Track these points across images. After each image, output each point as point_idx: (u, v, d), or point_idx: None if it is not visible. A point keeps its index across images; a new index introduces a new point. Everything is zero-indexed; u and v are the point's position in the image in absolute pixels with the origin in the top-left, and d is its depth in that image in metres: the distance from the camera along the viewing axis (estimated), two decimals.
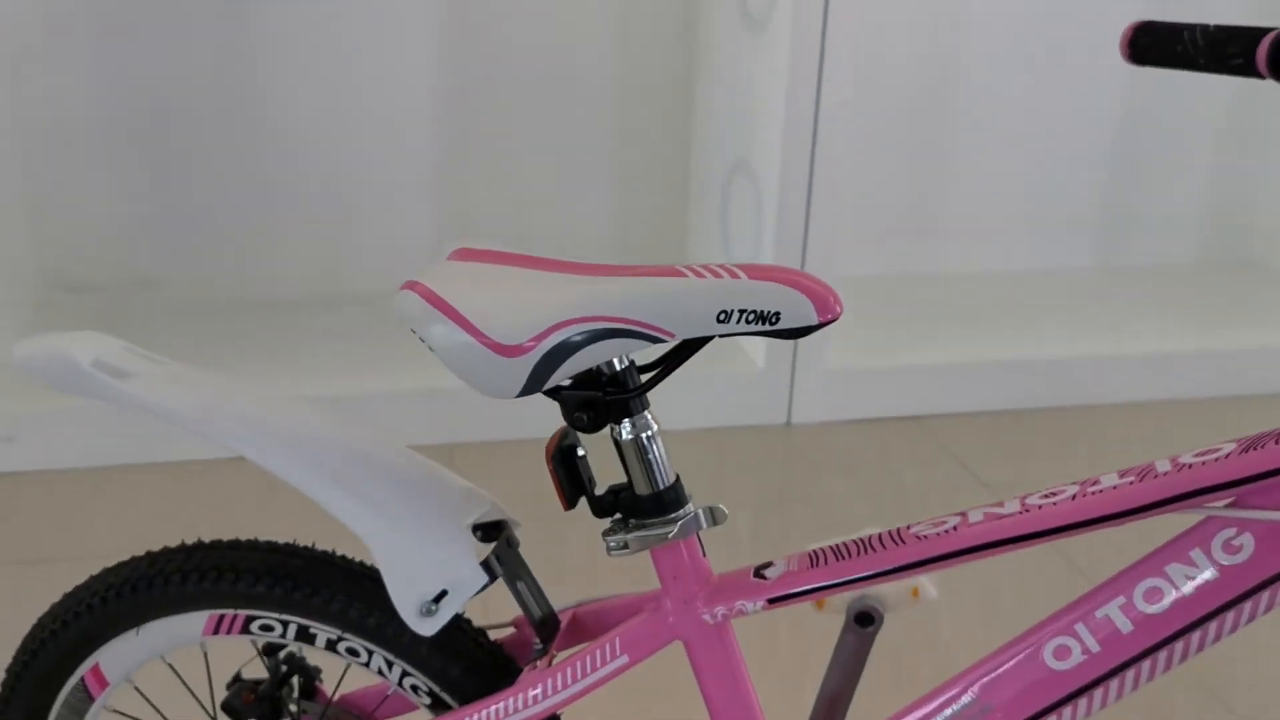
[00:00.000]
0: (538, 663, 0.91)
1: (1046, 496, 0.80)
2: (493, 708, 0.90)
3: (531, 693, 0.89)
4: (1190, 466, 0.76)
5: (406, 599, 0.88)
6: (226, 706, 1.04)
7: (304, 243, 2.82)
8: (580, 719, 1.01)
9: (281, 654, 1.05)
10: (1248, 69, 0.83)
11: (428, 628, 0.89)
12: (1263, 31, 0.82)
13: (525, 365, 0.77)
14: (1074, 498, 0.79)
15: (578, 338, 0.77)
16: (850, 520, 2.11)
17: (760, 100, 2.44)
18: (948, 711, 0.86)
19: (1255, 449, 0.75)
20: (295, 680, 1.05)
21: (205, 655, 1.02)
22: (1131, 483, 0.78)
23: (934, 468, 2.38)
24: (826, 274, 2.50)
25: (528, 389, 0.79)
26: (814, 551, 0.87)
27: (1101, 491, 0.79)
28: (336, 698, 1.05)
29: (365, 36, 2.69)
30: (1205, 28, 0.86)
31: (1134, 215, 3.24)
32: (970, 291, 3.09)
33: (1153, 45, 0.90)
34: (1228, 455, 0.76)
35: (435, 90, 2.77)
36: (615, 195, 2.88)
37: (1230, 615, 0.78)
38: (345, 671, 1.04)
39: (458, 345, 0.77)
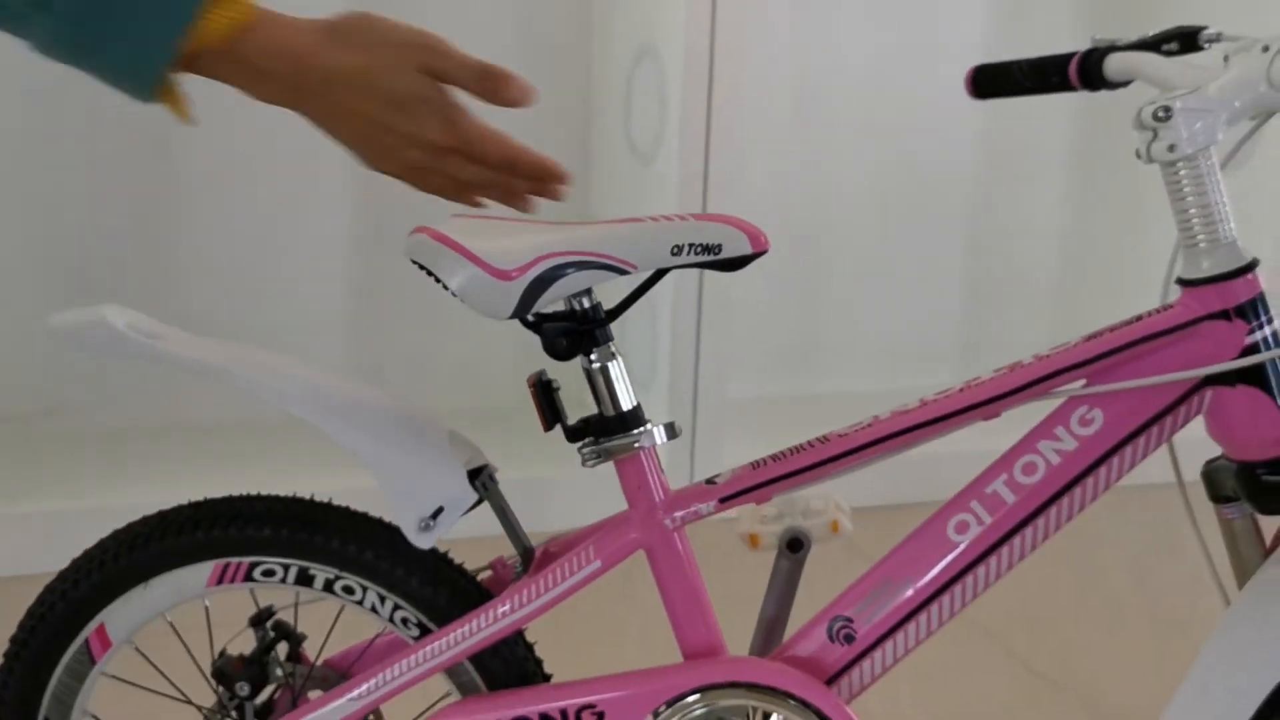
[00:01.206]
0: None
1: (939, 395, 0.99)
2: (483, 615, 1.02)
3: (516, 599, 1.02)
4: (1048, 356, 0.97)
5: (407, 515, 1.01)
6: (217, 673, 1.12)
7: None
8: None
9: (269, 621, 1.15)
10: (1064, 85, 1.09)
11: (426, 541, 1.02)
12: (1069, 56, 1.07)
13: (517, 289, 0.94)
14: (961, 390, 0.98)
15: (558, 268, 0.95)
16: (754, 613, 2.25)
17: None
18: (875, 590, 1.02)
19: (1095, 339, 0.96)
20: (282, 645, 1.15)
21: (207, 610, 1.12)
22: (1004, 374, 0.98)
23: (832, 557, 2.54)
24: (719, 397, 2.73)
25: (518, 311, 0.95)
26: (754, 461, 1.03)
27: (982, 383, 0.98)
28: (320, 660, 1.15)
29: (283, 180, 2.88)
30: (1028, 60, 1.12)
31: (986, 341, 3.57)
32: (847, 408, 3.34)
33: (988, 81, 1.15)
34: (1075, 345, 0.96)
35: (350, 225, 2.95)
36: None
37: (1090, 480, 0.97)
38: (331, 629, 1.14)
39: (464, 272, 0.94)
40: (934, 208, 3.38)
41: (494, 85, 0.82)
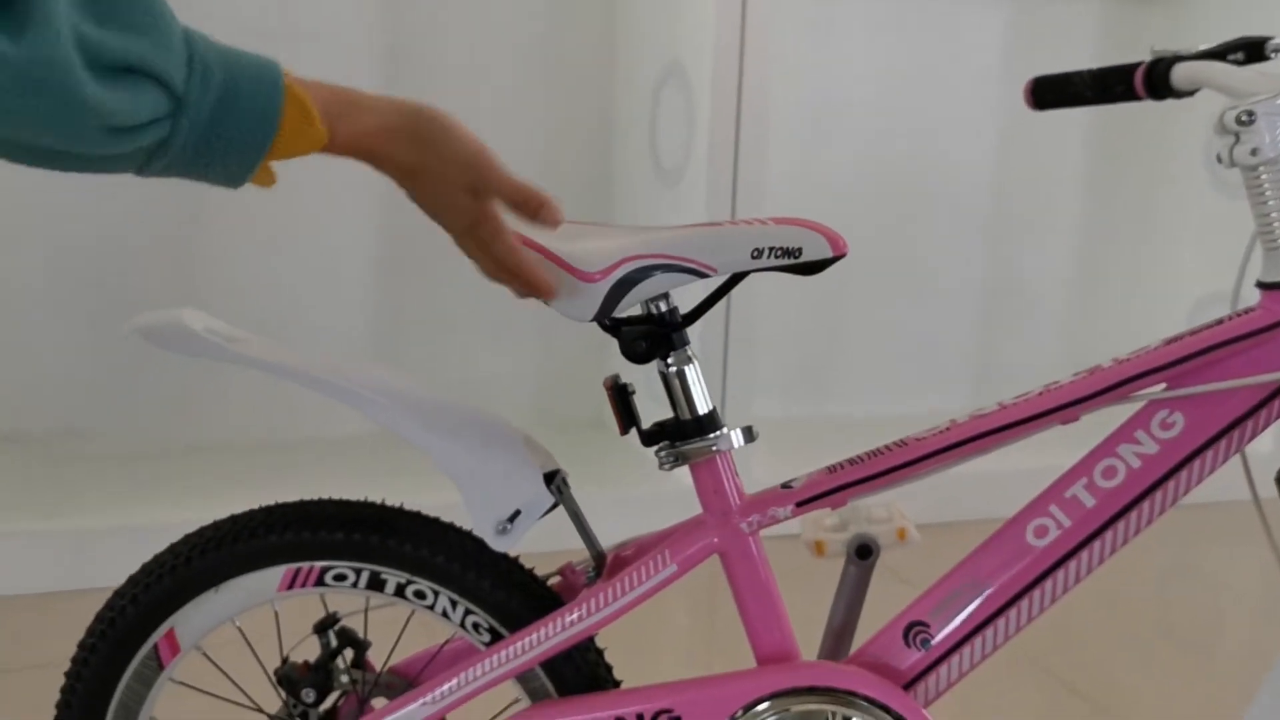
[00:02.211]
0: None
1: (1017, 399, 0.99)
2: (557, 620, 1.02)
3: (590, 604, 1.01)
4: (1128, 360, 0.97)
5: (484, 518, 1.01)
6: (282, 679, 1.12)
7: (238, 391, 2.92)
8: None
9: (334, 628, 1.15)
10: (1128, 95, 1.09)
11: (504, 544, 1.01)
12: (1135, 65, 1.08)
13: (600, 290, 0.95)
14: (1040, 394, 0.98)
15: (640, 270, 0.95)
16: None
17: None
18: (951, 595, 1.01)
19: (1175, 342, 0.96)
20: (347, 654, 1.14)
21: (276, 615, 1.11)
22: (1084, 378, 0.98)
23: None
24: (745, 417, 2.73)
25: (601, 313, 0.96)
26: (830, 465, 1.03)
27: (1061, 387, 0.98)
28: (386, 667, 1.14)
29: (306, 199, 2.89)
30: (1090, 71, 1.13)
31: (1001, 363, 3.57)
32: (868, 431, 3.34)
33: (1048, 92, 1.15)
34: (1155, 349, 0.97)
35: (374, 243, 2.96)
36: (541, 352, 3.08)
37: (1171, 484, 0.97)
38: (400, 635, 1.14)
39: (550, 274, 0.94)
40: (951, 224, 3.40)
41: (531, 208, 0.88)
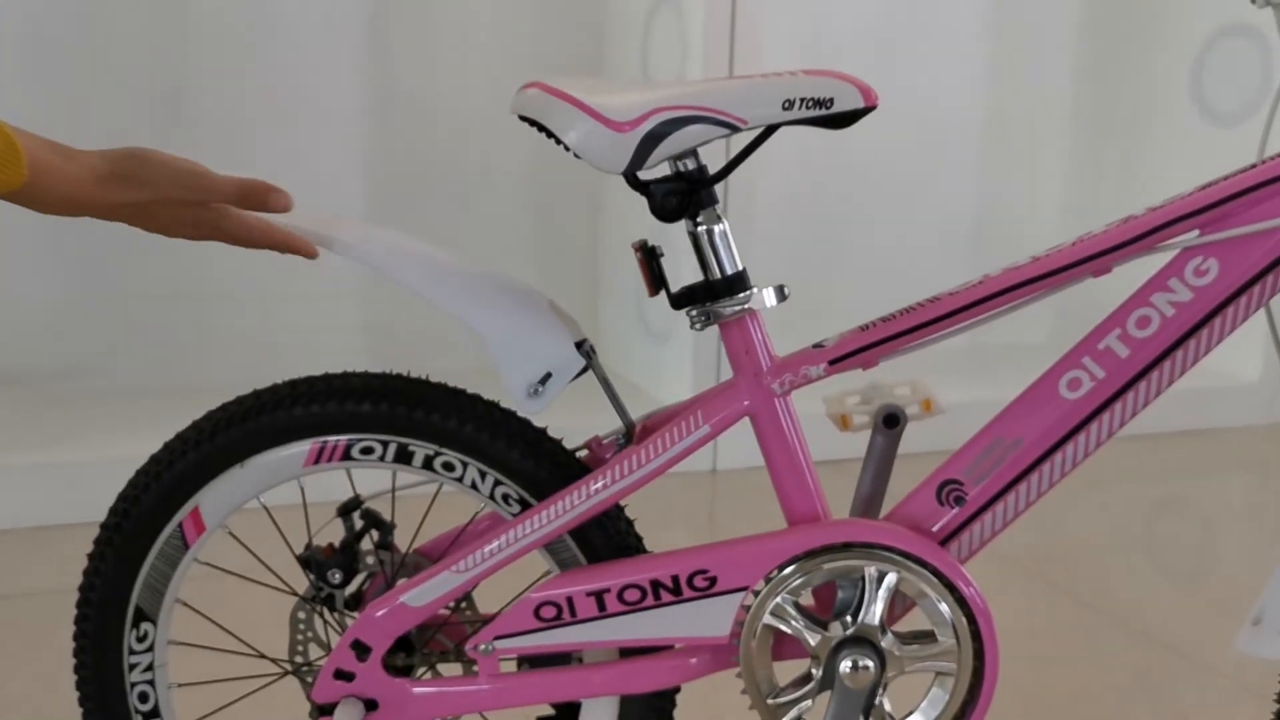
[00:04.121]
0: None
1: (1050, 251, 0.99)
2: (588, 484, 1.01)
3: (622, 466, 1.01)
4: (1161, 208, 0.96)
5: (516, 381, 1.00)
6: (307, 562, 1.11)
7: (232, 331, 2.89)
8: None
9: (357, 510, 1.14)
10: None
11: (534, 407, 1.01)
12: None
13: (631, 141, 0.93)
14: (1073, 245, 0.98)
15: (670, 122, 0.94)
16: None
17: None
18: (984, 451, 1.01)
19: (1208, 188, 0.96)
20: (372, 534, 1.13)
21: (302, 491, 1.10)
22: (1117, 227, 0.97)
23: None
24: None
25: (632, 165, 0.94)
26: (862, 324, 1.03)
27: (1094, 238, 0.98)
28: (411, 548, 1.13)
29: (296, 137, 2.85)
30: None
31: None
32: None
33: None
34: (1188, 195, 0.96)
35: (364, 183, 2.93)
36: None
37: (1205, 331, 0.97)
38: (425, 515, 1.13)
39: (579, 124, 0.93)
40: (941, 156, 3.38)
41: (256, 198, 0.94)
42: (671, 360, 2.76)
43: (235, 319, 2.89)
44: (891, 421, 1.08)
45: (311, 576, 1.10)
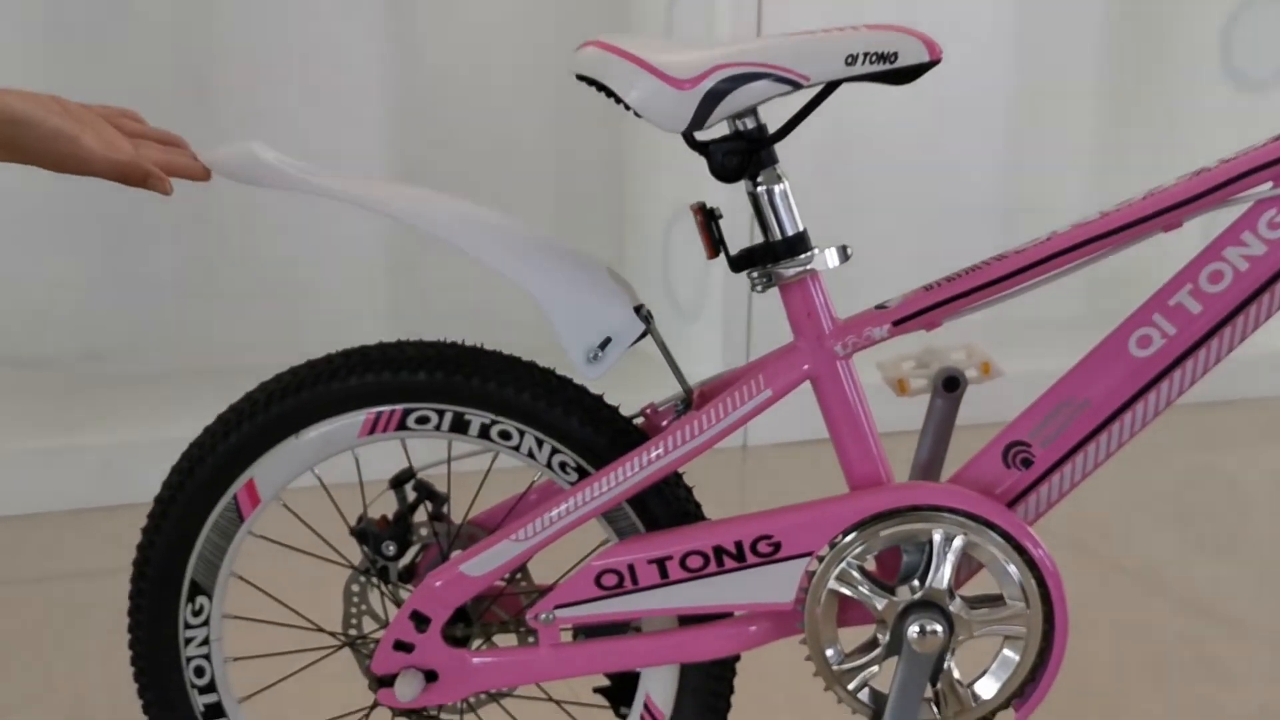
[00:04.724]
0: None
1: (1120, 206, 0.97)
2: (647, 451, 0.99)
3: (682, 433, 0.99)
4: (1233, 159, 0.94)
5: (575, 346, 0.99)
6: (360, 534, 1.10)
7: (256, 313, 2.88)
8: None
9: (410, 482, 1.12)
10: None
11: (594, 372, 0.99)
12: None
13: (693, 99, 0.92)
14: (1144, 199, 0.96)
15: (731, 79, 0.92)
16: None
17: None
18: (1051, 412, 0.99)
19: None
20: (425, 506, 1.12)
21: (357, 461, 1.09)
22: (1188, 180, 0.95)
23: None
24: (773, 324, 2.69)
25: (693, 123, 0.93)
26: (926, 285, 1.01)
27: (1165, 191, 0.95)
28: (466, 519, 1.12)
29: (318, 115, 2.84)
30: None
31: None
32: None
33: None
34: (1261, 146, 0.94)
35: (386, 154, 2.92)
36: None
37: (1278, 285, 0.95)
38: (480, 486, 1.12)
39: (640, 81, 0.91)
40: (968, 131, 3.35)
41: (135, 181, 0.90)
42: (701, 337, 2.74)
43: (262, 301, 2.88)
44: (951, 385, 1.06)
45: (365, 549, 1.09)
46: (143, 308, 2.83)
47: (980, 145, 3.38)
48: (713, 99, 0.92)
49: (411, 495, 1.11)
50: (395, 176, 2.78)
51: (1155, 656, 1.71)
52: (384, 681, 1.05)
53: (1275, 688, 1.62)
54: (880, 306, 1.01)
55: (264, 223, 2.84)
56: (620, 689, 1.12)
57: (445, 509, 1.12)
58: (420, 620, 1.03)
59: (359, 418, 1.05)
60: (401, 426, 1.05)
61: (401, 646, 1.04)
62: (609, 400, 1.05)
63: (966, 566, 1.00)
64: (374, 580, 1.10)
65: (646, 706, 1.10)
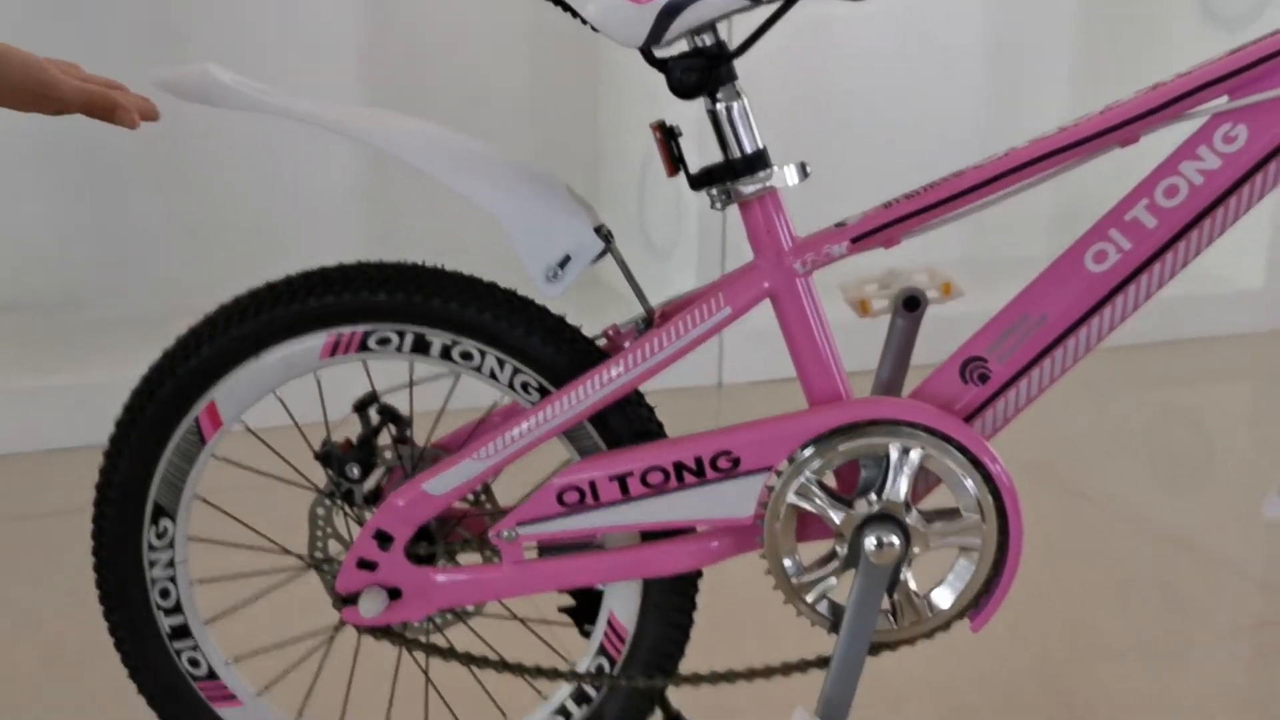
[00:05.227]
0: None
1: (1078, 121, 0.97)
2: (608, 369, 1.00)
3: (642, 350, 1.00)
4: (1189, 73, 0.94)
5: (535, 264, 0.99)
6: (323, 458, 1.10)
7: (233, 256, 2.86)
8: None
9: (373, 406, 1.12)
10: None
11: (554, 290, 0.99)
12: None
13: (649, 13, 0.91)
14: (1101, 113, 0.96)
15: None
16: None
17: None
18: (1008, 327, 1.00)
19: (1237, 53, 0.94)
20: (389, 429, 1.12)
21: (319, 384, 1.09)
22: (1145, 94, 0.95)
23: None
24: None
25: (650, 38, 0.92)
26: (885, 202, 1.01)
27: (1123, 105, 0.96)
28: (429, 442, 1.12)
29: (291, 57, 2.80)
30: None
31: (993, 216, 3.55)
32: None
33: None
34: (1217, 60, 0.94)
35: (360, 99, 2.89)
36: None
37: (1233, 200, 0.96)
38: (442, 409, 1.12)
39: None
40: (947, 80, 3.34)
41: (103, 111, 0.88)
42: (674, 276, 2.74)
43: (240, 243, 2.86)
44: (912, 304, 1.07)
45: (330, 472, 1.10)
46: (121, 251, 2.81)
47: (958, 83, 3.37)
48: (669, 13, 0.92)
49: (375, 419, 1.12)
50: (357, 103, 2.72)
51: (1120, 584, 1.74)
52: (348, 600, 1.06)
53: (1240, 613, 1.65)
54: (839, 225, 1.01)
55: (241, 165, 2.82)
56: (584, 608, 1.14)
57: (409, 432, 1.12)
58: (383, 539, 1.04)
59: (319, 339, 1.05)
60: (363, 348, 1.05)
61: (365, 565, 1.05)
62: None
63: (924, 481, 1.01)
64: (339, 503, 1.11)
65: (610, 624, 1.11)
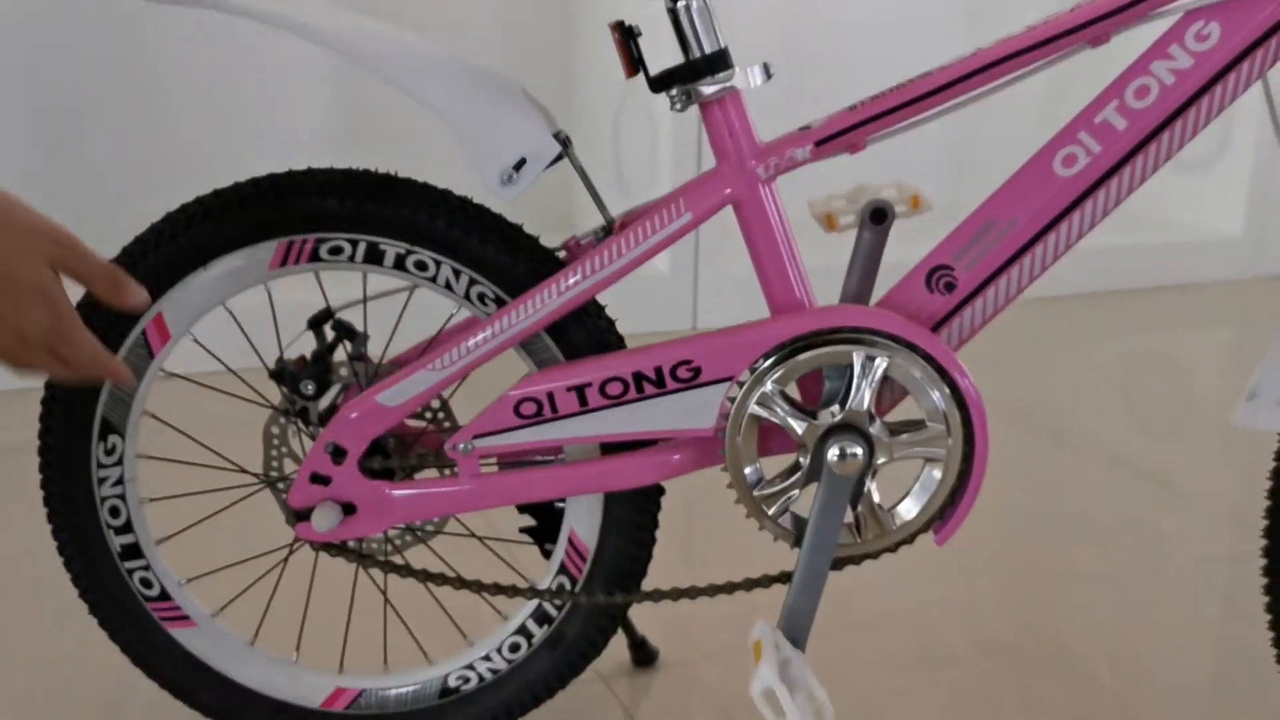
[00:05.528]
0: None
1: (1046, 20, 0.94)
2: (565, 275, 0.97)
3: (600, 257, 0.97)
4: None
5: (489, 167, 0.96)
6: (278, 374, 1.07)
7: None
8: None
9: (328, 322, 1.10)
10: None
11: (509, 194, 0.96)
12: None
13: None
14: (1071, 11, 0.93)
15: None
16: None
17: None
18: (975, 235, 0.98)
19: None
20: (345, 346, 1.10)
21: (270, 295, 1.06)
22: None
23: None
24: None
25: None
26: (849, 105, 0.98)
27: (1092, 4, 0.93)
28: (385, 357, 1.10)
29: None
30: None
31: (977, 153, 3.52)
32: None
33: None
34: None
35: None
36: None
37: (1205, 100, 0.93)
38: (397, 324, 1.09)
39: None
40: (927, 17, 3.31)
41: (116, 288, 0.84)
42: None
43: (202, 182, 2.81)
44: (879, 216, 1.04)
45: (284, 389, 1.07)
46: (84, 196, 2.76)
47: (940, 33, 3.34)
48: None
49: (330, 335, 1.09)
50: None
51: (1092, 518, 1.73)
52: (301, 515, 1.03)
53: (1211, 543, 1.64)
54: (804, 129, 0.98)
55: (204, 103, 2.77)
56: (545, 527, 1.12)
57: (364, 348, 1.10)
58: (337, 452, 1.02)
59: (269, 249, 1.02)
60: (314, 258, 1.02)
61: (318, 479, 1.02)
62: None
63: (889, 394, 1.00)
64: (294, 421, 1.08)
65: (571, 542, 1.09)
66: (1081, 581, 1.53)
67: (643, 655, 1.31)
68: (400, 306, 1.10)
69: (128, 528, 1.08)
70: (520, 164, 0.96)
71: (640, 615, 1.34)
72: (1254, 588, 1.48)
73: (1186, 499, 1.79)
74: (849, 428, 0.97)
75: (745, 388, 0.97)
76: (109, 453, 1.06)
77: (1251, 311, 2.95)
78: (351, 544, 1.07)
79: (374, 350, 1.09)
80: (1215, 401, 2.30)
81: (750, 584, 1.04)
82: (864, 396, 0.96)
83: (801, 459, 0.98)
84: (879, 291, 1.02)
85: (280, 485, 1.08)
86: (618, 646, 1.31)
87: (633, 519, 1.07)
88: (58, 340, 0.80)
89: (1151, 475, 1.88)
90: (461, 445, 1.00)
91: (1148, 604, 1.47)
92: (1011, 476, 1.86)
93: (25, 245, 0.77)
